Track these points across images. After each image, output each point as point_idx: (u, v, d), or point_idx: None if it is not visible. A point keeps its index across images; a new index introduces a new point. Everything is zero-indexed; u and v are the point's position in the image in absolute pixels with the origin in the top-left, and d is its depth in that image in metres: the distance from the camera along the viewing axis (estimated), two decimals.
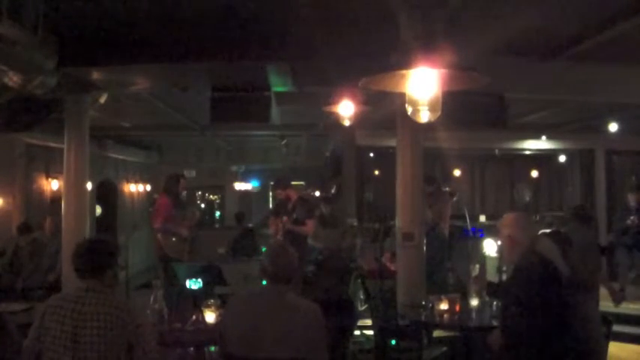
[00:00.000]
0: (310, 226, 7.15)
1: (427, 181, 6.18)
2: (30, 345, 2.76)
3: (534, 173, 14.32)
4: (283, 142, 11.70)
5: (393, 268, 6.27)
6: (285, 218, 7.18)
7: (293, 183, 8.43)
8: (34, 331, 2.78)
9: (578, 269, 3.69)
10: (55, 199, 8.82)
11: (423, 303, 4.62)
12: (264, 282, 3.19)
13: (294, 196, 7.46)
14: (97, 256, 2.87)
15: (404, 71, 2.77)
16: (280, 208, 7.60)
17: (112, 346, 2.66)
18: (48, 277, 6.94)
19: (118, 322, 2.69)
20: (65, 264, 5.82)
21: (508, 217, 3.40)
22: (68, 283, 5.75)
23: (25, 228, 7.42)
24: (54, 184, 9.51)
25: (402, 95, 2.96)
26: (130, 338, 2.71)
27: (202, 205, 17.49)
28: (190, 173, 13.46)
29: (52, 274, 6.88)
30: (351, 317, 3.71)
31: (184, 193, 7.39)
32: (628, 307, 6.72)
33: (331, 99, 5.43)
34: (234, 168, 16.19)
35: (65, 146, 5.92)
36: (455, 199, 9.90)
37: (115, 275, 2.94)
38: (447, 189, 9.37)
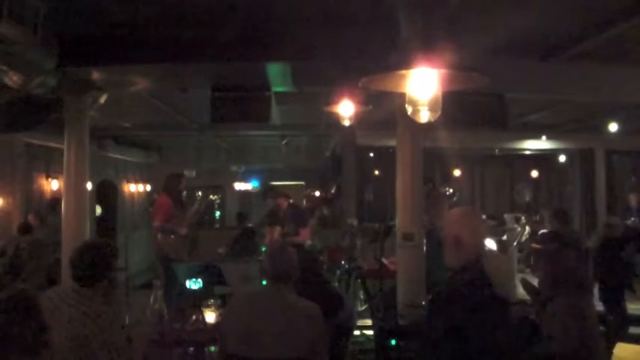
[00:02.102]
0: (304, 234, 7.16)
1: (423, 180, 6.17)
2: None
3: (534, 173, 14.33)
4: (284, 142, 11.70)
5: (392, 267, 6.27)
6: (277, 228, 7.19)
7: (293, 183, 8.47)
8: None
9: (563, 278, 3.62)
10: (53, 199, 8.82)
11: (423, 303, 4.62)
12: (264, 282, 3.20)
13: (284, 203, 7.46)
14: (89, 266, 2.83)
15: (404, 71, 2.77)
16: (272, 217, 7.60)
17: (76, 353, 2.61)
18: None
19: (84, 331, 2.65)
20: (65, 264, 5.82)
21: (455, 214, 2.82)
22: (68, 283, 5.76)
23: (25, 228, 7.43)
24: (54, 184, 9.51)
25: (402, 95, 2.96)
26: (92, 351, 2.65)
27: (202, 205, 17.45)
28: (190, 173, 13.45)
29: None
30: (338, 316, 3.71)
31: (185, 192, 7.39)
32: (628, 307, 6.71)
33: (331, 99, 5.43)
34: (234, 168, 16.19)
35: (65, 146, 5.91)
36: (455, 199, 9.91)
37: (110, 282, 2.90)
38: (448, 189, 9.38)
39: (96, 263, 2.85)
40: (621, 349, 5.59)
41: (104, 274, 2.86)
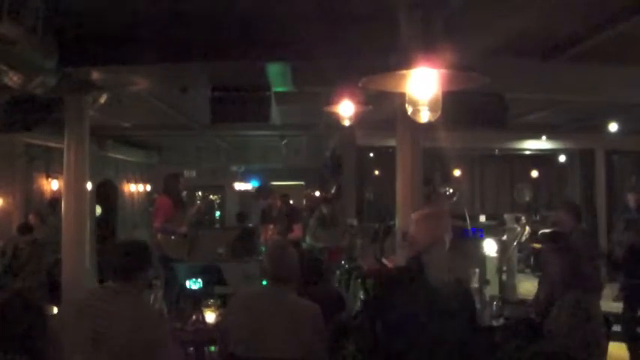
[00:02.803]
0: (297, 231, 7.16)
1: (423, 182, 6.16)
2: None
3: (534, 173, 14.33)
4: (283, 143, 11.70)
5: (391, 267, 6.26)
6: (271, 226, 7.19)
7: (293, 183, 8.49)
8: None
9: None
10: (53, 199, 8.82)
11: None
12: (265, 282, 3.20)
13: (277, 201, 7.46)
14: (130, 260, 2.86)
15: (404, 71, 2.77)
16: (265, 216, 7.60)
17: (137, 349, 2.64)
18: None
19: (144, 326, 2.69)
20: (66, 264, 5.83)
21: (416, 214, 3.04)
22: (68, 283, 5.76)
23: (25, 228, 7.42)
24: (54, 184, 9.51)
25: (402, 95, 2.96)
26: (154, 342, 2.70)
27: (203, 205, 17.46)
28: (190, 173, 13.45)
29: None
30: (339, 316, 3.72)
31: (184, 192, 7.39)
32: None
33: (331, 99, 5.43)
34: (234, 168, 16.19)
35: (65, 146, 5.92)
36: (454, 199, 9.91)
37: (146, 279, 2.95)
38: (448, 189, 9.39)
39: (131, 256, 2.89)
40: (622, 348, 5.60)
41: (141, 267, 2.90)
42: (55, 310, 5.06)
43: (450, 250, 2.85)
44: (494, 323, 4.43)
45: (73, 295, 5.64)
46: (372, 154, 11.97)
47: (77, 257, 5.81)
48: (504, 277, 8.48)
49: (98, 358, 2.62)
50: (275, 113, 6.15)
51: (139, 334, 2.66)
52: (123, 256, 2.87)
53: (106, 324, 2.65)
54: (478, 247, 8.17)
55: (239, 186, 16.87)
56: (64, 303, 2.94)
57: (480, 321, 4.49)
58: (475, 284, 4.79)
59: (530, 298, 5.43)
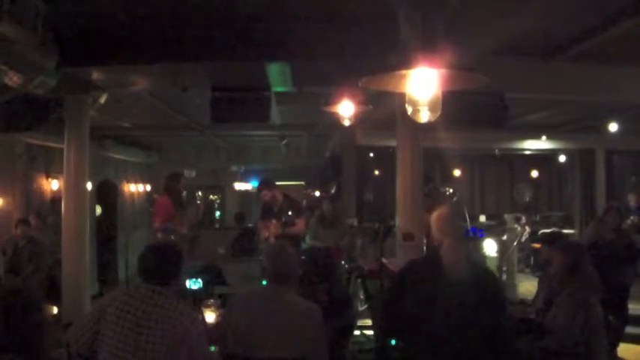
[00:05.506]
0: (300, 225, 7.12)
1: (423, 181, 6.16)
2: (87, 332, 2.76)
3: (534, 173, 14.35)
4: (283, 142, 11.69)
5: (391, 267, 6.26)
6: (273, 221, 7.15)
7: (293, 183, 8.44)
8: (92, 320, 2.76)
9: None
10: (53, 199, 8.81)
11: None
12: (264, 282, 3.20)
13: (279, 196, 7.42)
14: (169, 264, 2.89)
15: (404, 71, 2.77)
16: (267, 210, 7.55)
17: (172, 351, 2.65)
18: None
19: (181, 329, 2.69)
20: (66, 264, 5.82)
21: (434, 216, 3.38)
22: (68, 283, 5.76)
23: (20, 221, 7.43)
24: (54, 184, 9.50)
25: (402, 95, 2.96)
26: (189, 347, 2.71)
27: (203, 206, 17.46)
28: (190, 173, 13.44)
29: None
30: (345, 316, 3.73)
31: (184, 192, 7.38)
32: (630, 308, 6.70)
33: (331, 99, 5.43)
34: (234, 168, 16.18)
35: (65, 146, 5.92)
36: (455, 199, 9.91)
37: (180, 283, 2.97)
38: (448, 189, 9.39)
39: (170, 260, 2.91)
40: (622, 349, 5.60)
41: (178, 270, 2.93)
42: (56, 310, 5.10)
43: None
44: None
45: (73, 295, 5.65)
46: (372, 154, 11.97)
47: (77, 257, 5.82)
48: (504, 277, 8.49)
49: (137, 356, 2.63)
50: (275, 113, 6.15)
51: (172, 336, 2.66)
52: (159, 261, 2.87)
53: (146, 324, 2.66)
54: (478, 247, 8.18)
55: (239, 186, 16.86)
56: (104, 297, 2.92)
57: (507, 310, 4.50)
58: None
59: (530, 298, 5.42)
